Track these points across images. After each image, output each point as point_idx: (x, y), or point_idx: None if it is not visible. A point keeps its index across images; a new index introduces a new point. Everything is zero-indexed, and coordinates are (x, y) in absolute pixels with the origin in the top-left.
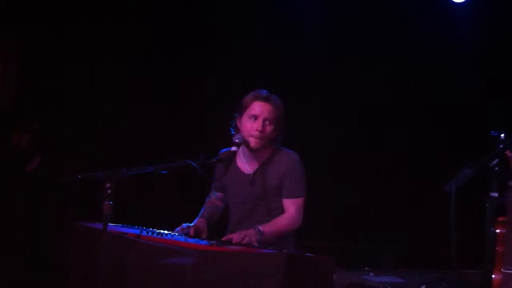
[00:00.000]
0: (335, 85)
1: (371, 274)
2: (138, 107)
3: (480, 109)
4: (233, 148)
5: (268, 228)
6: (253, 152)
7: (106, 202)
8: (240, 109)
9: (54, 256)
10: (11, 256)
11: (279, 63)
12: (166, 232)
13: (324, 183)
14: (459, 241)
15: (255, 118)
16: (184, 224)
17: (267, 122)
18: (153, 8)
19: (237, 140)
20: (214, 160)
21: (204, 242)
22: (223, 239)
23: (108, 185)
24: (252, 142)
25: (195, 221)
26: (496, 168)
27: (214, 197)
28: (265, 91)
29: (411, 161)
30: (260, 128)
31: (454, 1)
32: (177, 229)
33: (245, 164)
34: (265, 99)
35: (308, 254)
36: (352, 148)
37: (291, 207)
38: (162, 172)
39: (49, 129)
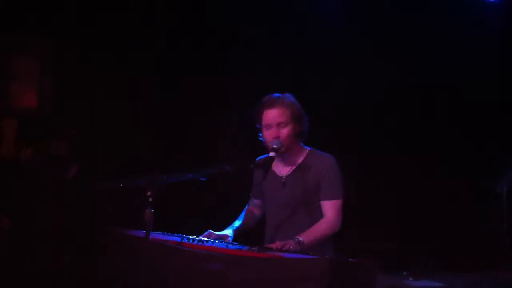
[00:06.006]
0: (371, 83)
1: (410, 278)
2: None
3: None
4: (271, 154)
5: (307, 237)
6: (286, 155)
7: (147, 210)
8: (257, 120)
9: (94, 265)
10: (47, 263)
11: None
12: (206, 239)
13: (362, 184)
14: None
15: (269, 126)
16: (206, 231)
17: (281, 126)
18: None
19: (275, 146)
20: (252, 166)
21: (245, 249)
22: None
23: (149, 193)
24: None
25: (224, 231)
26: None
27: (252, 205)
28: (274, 95)
29: (451, 161)
30: (275, 135)
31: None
32: (201, 235)
33: (279, 167)
34: (271, 105)
35: (351, 259)
36: (390, 148)
37: (330, 210)
38: (201, 179)
39: (86, 136)
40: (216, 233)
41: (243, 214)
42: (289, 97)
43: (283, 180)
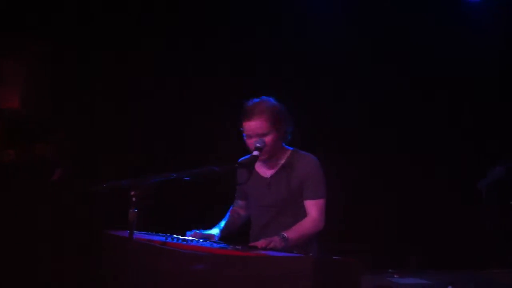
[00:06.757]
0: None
1: (395, 276)
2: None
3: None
4: (255, 153)
5: (292, 234)
6: (269, 157)
7: (131, 210)
8: (240, 127)
9: (82, 266)
10: (36, 267)
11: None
12: (191, 238)
13: (350, 183)
14: (490, 239)
15: (249, 136)
16: (193, 230)
17: (262, 136)
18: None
19: (258, 145)
20: (236, 165)
21: (230, 248)
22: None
23: (133, 193)
24: (261, 157)
25: (210, 230)
26: None
27: (237, 206)
28: (250, 103)
29: (437, 161)
30: (255, 146)
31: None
32: (188, 233)
33: (263, 168)
34: (249, 117)
35: (335, 257)
36: (378, 147)
37: (313, 209)
38: (185, 178)
39: (74, 139)
40: (203, 232)
41: (228, 215)
42: (267, 102)
43: (268, 181)
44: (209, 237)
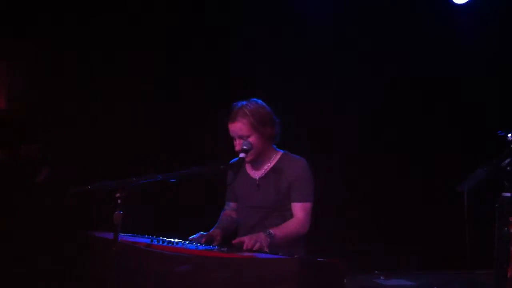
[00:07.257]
0: (345, 85)
1: (381, 277)
2: (141, 109)
3: (494, 109)
4: (241, 155)
5: (278, 231)
6: (259, 158)
7: (116, 212)
8: None
9: (67, 268)
10: (21, 268)
11: (282, 63)
12: (176, 240)
13: (337, 183)
14: (472, 241)
15: (233, 138)
16: (197, 233)
17: (244, 138)
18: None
19: (245, 147)
20: (222, 167)
21: (215, 249)
22: (233, 242)
23: (118, 194)
24: (247, 158)
25: (211, 230)
26: (508, 168)
27: (229, 209)
28: (237, 105)
29: (423, 162)
30: (237, 148)
31: (455, 2)
32: (191, 237)
33: (253, 169)
34: (232, 119)
35: (320, 259)
36: (366, 148)
37: (299, 211)
38: (171, 180)
39: (59, 139)
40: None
41: (220, 219)
42: (252, 104)
43: (257, 182)
44: (215, 235)
